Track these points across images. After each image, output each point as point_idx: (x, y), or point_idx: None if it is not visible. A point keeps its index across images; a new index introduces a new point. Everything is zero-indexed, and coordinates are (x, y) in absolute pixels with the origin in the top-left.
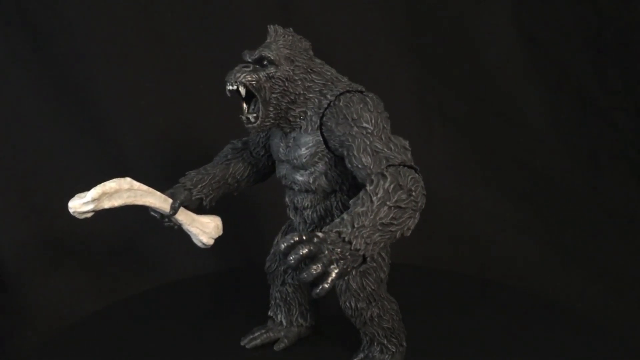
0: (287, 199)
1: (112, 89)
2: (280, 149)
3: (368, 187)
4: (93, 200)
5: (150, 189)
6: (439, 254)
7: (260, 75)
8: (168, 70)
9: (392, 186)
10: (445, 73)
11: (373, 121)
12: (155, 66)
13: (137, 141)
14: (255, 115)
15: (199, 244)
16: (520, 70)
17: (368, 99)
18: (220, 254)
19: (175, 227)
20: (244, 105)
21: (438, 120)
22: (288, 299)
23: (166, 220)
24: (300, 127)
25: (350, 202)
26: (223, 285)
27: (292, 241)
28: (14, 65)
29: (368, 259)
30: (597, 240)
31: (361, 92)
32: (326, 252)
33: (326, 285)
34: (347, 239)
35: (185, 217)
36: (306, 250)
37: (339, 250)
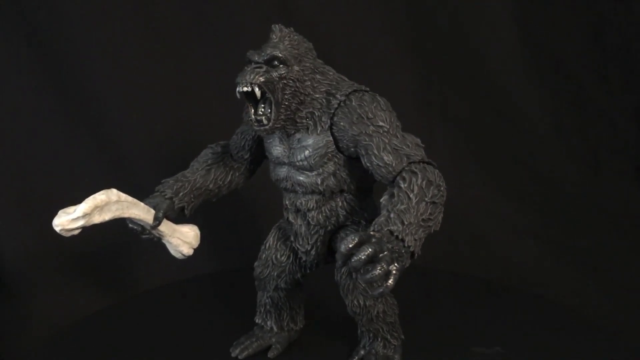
0: (286, 202)
1: (112, 90)
2: (282, 151)
3: (402, 185)
4: (84, 216)
5: (135, 200)
6: (439, 254)
7: (274, 76)
8: (168, 70)
9: (424, 183)
10: (446, 73)
11: (388, 120)
12: (155, 66)
13: (137, 142)
14: (267, 116)
15: (178, 255)
16: (520, 70)
17: (378, 98)
18: (220, 255)
19: (155, 239)
20: (251, 107)
21: (439, 121)
22: (280, 304)
23: (147, 232)
24: (307, 128)
25: (382, 200)
26: (222, 286)
27: (353, 242)
28: (14, 65)
29: (415, 255)
30: (597, 240)
31: (367, 91)
32: (386, 251)
33: (390, 283)
34: (400, 236)
35: (166, 228)
36: (371, 250)
37: (396, 248)
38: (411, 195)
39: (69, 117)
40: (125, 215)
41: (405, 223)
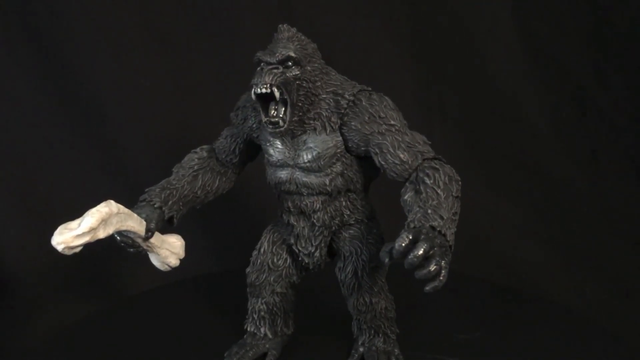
0: (288, 204)
1: (112, 90)
2: (285, 153)
3: (428, 181)
4: (91, 231)
5: (129, 211)
6: None
7: (290, 77)
8: (168, 70)
9: (447, 178)
10: (446, 73)
11: (397, 118)
12: (155, 66)
13: (138, 143)
14: (282, 118)
15: (164, 268)
16: (520, 70)
17: (385, 97)
18: (219, 255)
19: (143, 252)
20: (261, 109)
21: (438, 120)
22: (275, 309)
23: (136, 245)
24: (315, 129)
25: (406, 197)
26: (222, 286)
27: (408, 239)
28: (14, 65)
29: (452, 249)
30: (598, 240)
31: (371, 91)
32: (436, 247)
33: (443, 278)
34: (442, 231)
35: (156, 240)
36: (426, 246)
37: (442, 243)
38: (439, 191)
39: (70, 118)
40: (124, 227)
41: (444, 218)
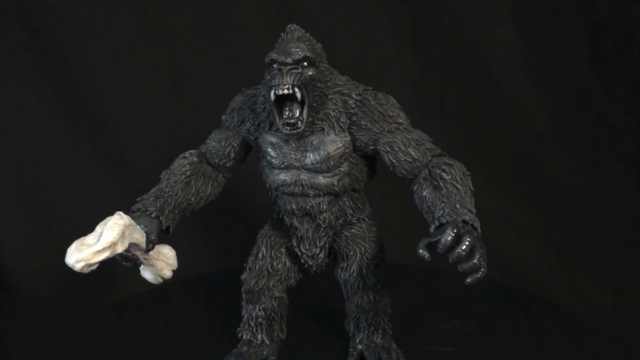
0: (292, 206)
1: (112, 90)
2: (290, 155)
3: (446, 177)
4: (111, 245)
5: (134, 222)
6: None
7: (308, 77)
8: (168, 70)
9: (461, 173)
10: (446, 73)
11: (403, 117)
12: (155, 66)
13: (137, 142)
14: (300, 119)
15: (157, 280)
16: (520, 70)
17: (390, 96)
18: (220, 255)
19: (139, 265)
20: (275, 110)
21: (438, 121)
22: (272, 314)
23: (135, 257)
24: (322, 129)
25: (425, 193)
26: (222, 286)
27: (452, 235)
28: (15, 65)
29: None
30: (597, 240)
31: (374, 90)
32: (475, 241)
33: (485, 269)
34: (474, 225)
35: (153, 251)
36: (470, 241)
37: (477, 236)
38: (458, 186)
39: (70, 118)
40: (133, 241)
41: (472, 212)
